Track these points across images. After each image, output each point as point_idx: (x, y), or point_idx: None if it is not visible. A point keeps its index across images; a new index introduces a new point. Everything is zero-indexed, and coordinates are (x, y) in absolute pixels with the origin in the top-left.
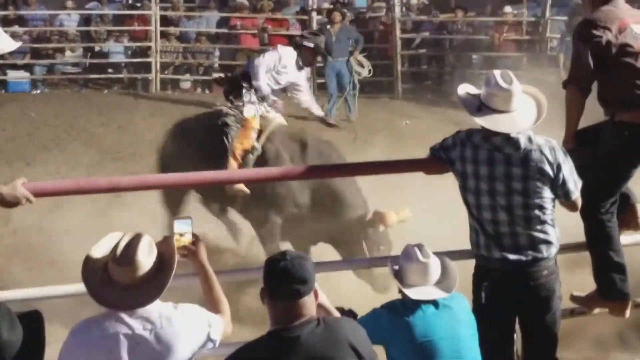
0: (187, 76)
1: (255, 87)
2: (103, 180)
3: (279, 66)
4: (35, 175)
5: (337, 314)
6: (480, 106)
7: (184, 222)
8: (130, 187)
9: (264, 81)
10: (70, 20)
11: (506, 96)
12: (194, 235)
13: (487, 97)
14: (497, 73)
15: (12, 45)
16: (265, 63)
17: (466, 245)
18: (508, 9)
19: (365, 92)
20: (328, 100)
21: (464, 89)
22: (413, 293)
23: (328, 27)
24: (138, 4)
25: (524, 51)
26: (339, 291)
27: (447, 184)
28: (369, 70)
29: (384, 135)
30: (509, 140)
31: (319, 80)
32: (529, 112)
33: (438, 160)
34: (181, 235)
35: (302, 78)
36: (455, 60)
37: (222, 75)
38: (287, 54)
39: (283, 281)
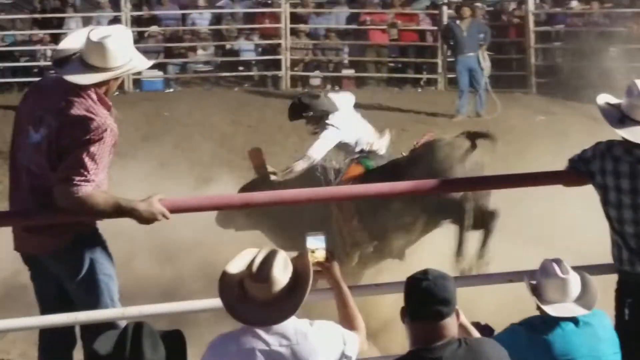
0: (317, 73)
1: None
2: (237, 196)
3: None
4: (169, 175)
5: (476, 333)
6: (622, 117)
7: (316, 238)
8: (263, 203)
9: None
10: (202, 19)
11: None
12: (327, 252)
13: (628, 108)
14: (639, 82)
15: (146, 63)
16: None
17: (607, 259)
18: None
19: (498, 87)
20: (459, 97)
21: (603, 99)
22: (552, 310)
23: (457, 22)
24: (268, 2)
25: None
26: (478, 306)
27: (586, 195)
28: (488, 68)
29: (518, 132)
30: None
31: (450, 75)
32: None
33: (577, 172)
34: (313, 251)
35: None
36: (591, 53)
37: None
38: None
39: (425, 302)
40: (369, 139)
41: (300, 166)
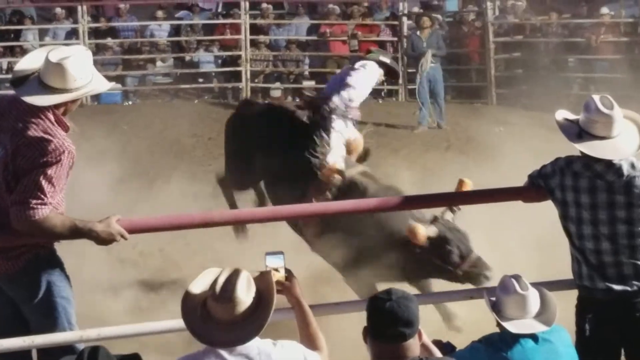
0: (278, 84)
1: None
2: (197, 215)
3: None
4: (129, 190)
5: (438, 352)
6: (580, 132)
7: (276, 257)
8: (224, 222)
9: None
10: (160, 30)
11: (607, 122)
12: (287, 270)
13: (587, 123)
14: (596, 98)
15: (106, 85)
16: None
17: (566, 275)
18: (605, 9)
19: (457, 98)
20: (420, 108)
21: (562, 114)
22: (511, 326)
23: (417, 32)
24: (229, 13)
25: (622, 53)
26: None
27: (545, 211)
28: (424, 70)
29: (478, 142)
30: (611, 167)
31: (410, 87)
32: (631, 138)
33: (537, 188)
34: (274, 270)
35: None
36: (550, 63)
37: (308, 95)
38: (375, 76)
39: (388, 323)
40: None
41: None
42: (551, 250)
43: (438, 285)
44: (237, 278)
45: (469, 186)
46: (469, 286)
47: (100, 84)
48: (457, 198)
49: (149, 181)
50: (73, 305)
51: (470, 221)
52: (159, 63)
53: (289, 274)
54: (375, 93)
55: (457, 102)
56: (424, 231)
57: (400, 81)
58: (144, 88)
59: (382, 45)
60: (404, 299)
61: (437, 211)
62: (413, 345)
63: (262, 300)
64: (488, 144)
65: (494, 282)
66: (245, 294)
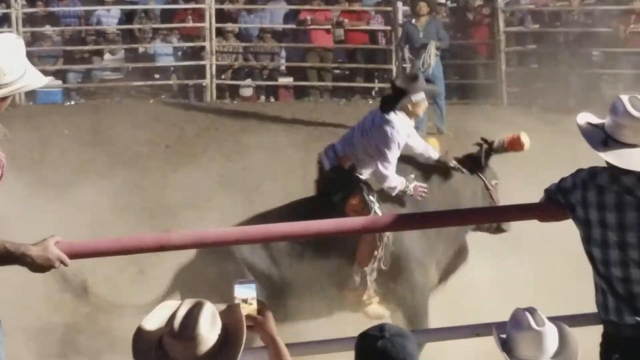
0: (249, 82)
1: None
2: (150, 237)
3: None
4: (71, 205)
5: None
6: (606, 139)
7: (246, 286)
8: (183, 245)
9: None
10: (109, 16)
11: (638, 127)
12: (260, 302)
13: (613, 129)
14: (625, 99)
15: (42, 80)
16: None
17: (591, 308)
18: None
19: (462, 98)
20: None
21: (584, 118)
22: None
23: (413, 20)
24: None
25: None
26: None
27: (566, 232)
28: (429, 66)
29: None
30: None
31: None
32: None
33: (555, 204)
34: (244, 302)
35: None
36: (571, 57)
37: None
38: (405, 128)
39: None
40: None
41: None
42: (572, 278)
43: (439, 320)
44: (200, 312)
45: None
46: (473, 321)
47: (35, 79)
48: (464, 216)
49: (93, 196)
50: (2, 344)
51: (478, 242)
52: (107, 56)
53: (261, 307)
54: (365, 92)
55: (462, 103)
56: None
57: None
58: (89, 85)
59: (373, 35)
60: (399, 337)
61: None
62: None
63: (229, 337)
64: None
65: (504, 316)
66: (209, 330)
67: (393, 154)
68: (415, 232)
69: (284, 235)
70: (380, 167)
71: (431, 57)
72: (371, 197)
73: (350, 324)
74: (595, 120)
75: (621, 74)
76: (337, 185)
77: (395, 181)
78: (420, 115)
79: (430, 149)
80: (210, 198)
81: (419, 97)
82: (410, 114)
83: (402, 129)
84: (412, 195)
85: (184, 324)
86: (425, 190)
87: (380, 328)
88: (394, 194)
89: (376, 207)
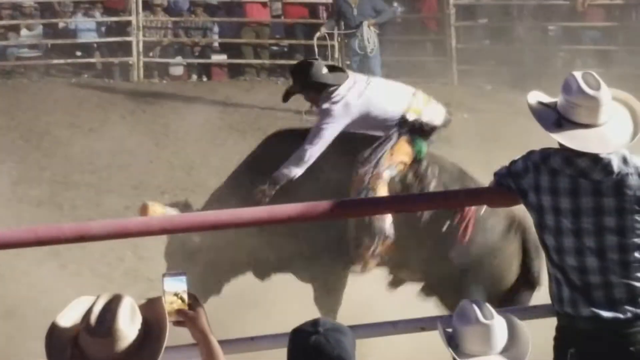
0: (179, 59)
1: None
2: (68, 227)
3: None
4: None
5: None
6: (559, 119)
7: (176, 278)
8: (103, 235)
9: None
10: None
11: (593, 106)
12: (191, 296)
13: (566, 108)
14: (578, 76)
15: None
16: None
17: (543, 299)
18: None
19: (409, 76)
20: None
21: (535, 97)
22: None
23: None
24: None
25: (616, 20)
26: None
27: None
28: (371, 50)
29: (436, 133)
30: (598, 163)
31: (348, 62)
32: (623, 125)
33: (505, 189)
34: (174, 295)
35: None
36: (525, 32)
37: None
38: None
39: None
40: (399, 107)
41: (293, 173)
42: None
43: (381, 314)
44: (118, 306)
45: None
46: (417, 315)
47: None
48: (412, 201)
49: (7, 185)
50: None
51: None
52: (23, 31)
53: (193, 301)
54: None
55: (409, 81)
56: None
57: (337, 54)
58: (5, 64)
59: (313, 8)
60: (334, 332)
61: None
62: None
63: (150, 333)
64: (449, 134)
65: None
66: (128, 326)
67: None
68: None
69: (213, 224)
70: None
71: (368, 40)
72: None
73: (291, 316)
74: (548, 99)
75: (579, 50)
76: None
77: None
78: None
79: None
80: (136, 186)
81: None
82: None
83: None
84: None
85: (100, 319)
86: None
87: (314, 323)
88: None
89: None
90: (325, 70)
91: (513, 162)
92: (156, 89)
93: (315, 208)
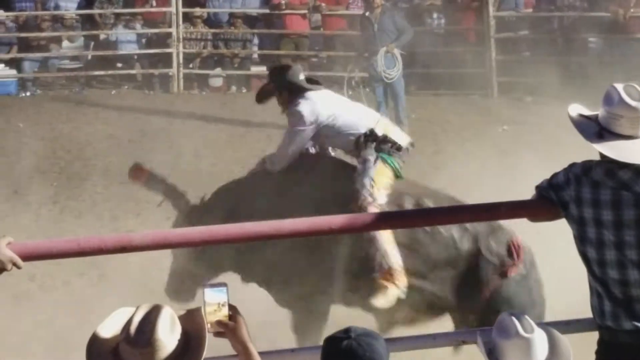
0: (218, 71)
1: None
2: (109, 238)
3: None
4: (26, 209)
5: None
6: (600, 131)
7: (217, 289)
8: (145, 246)
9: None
10: (67, 1)
11: (634, 117)
12: (231, 307)
13: (608, 120)
14: (619, 87)
15: None
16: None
17: (586, 313)
18: None
19: (450, 88)
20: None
21: (576, 110)
22: None
23: (367, 13)
24: None
25: None
26: None
27: (557, 231)
28: (392, 77)
29: (475, 145)
30: None
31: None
32: None
33: (547, 202)
34: (214, 306)
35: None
36: (566, 44)
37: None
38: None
39: None
40: (366, 122)
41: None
42: (564, 281)
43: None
44: (158, 316)
45: None
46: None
47: None
48: (450, 214)
49: (50, 196)
50: None
51: None
52: (65, 43)
53: (233, 312)
54: (344, 82)
55: (448, 94)
56: None
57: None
58: (46, 75)
59: (352, 20)
60: (367, 337)
61: None
62: None
63: (190, 344)
64: (488, 147)
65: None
66: (167, 336)
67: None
68: None
69: (255, 236)
70: None
71: (386, 67)
72: None
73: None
74: (588, 112)
75: (621, 61)
76: None
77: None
78: None
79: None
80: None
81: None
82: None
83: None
84: None
85: (140, 330)
86: None
87: (346, 330)
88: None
89: None
90: (302, 77)
91: (554, 175)
92: (196, 100)
93: (356, 220)
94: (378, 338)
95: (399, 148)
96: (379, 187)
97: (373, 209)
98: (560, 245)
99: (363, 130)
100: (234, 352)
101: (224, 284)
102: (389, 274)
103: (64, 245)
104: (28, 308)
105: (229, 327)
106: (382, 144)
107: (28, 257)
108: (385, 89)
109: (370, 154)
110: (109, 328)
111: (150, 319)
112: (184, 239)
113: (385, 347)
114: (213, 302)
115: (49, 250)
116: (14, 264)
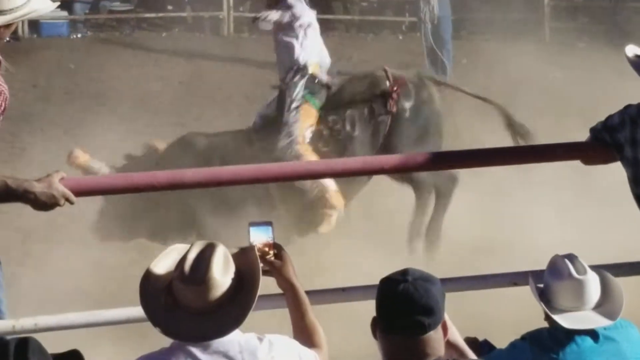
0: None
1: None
2: (162, 174)
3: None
4: (77, 144)
5: (471, 353)
6: None
7: (262, 228)
8: (197, 183)
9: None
10: None
11: None
12: (277, 245)
13: None
14: None
15: (50, 5)
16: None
17: (637, 256)
18: None
19: (501, 33)
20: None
21: (633, 50)
22: (565, 320)
23: None
24: None
25: None
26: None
27: (609, 174)
28: (436, 18)
29: (526, 91)
30: None
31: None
32: None
33: (601, 144)
34: (259, 245)
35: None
36: None
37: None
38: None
39: (402, 310)
40: (318, 59)
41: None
42: (618, 224)
43: (469, 267)
44: (212, 254)
45: None
46: (510, 269)
47: (42, 4)
48: (505, 156)
49: (102, 135)
50: (3, 289)
51: (509, 184)
52: None
53: (279, 250)
54: (394, 26)
55: (499, 39)
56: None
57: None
58: (97, 17)
59: None
60: (423, 281)
61: None
62: (435, 341)
63: (243, 282)
64: (541, 93)
65: (542, 263)
66: (221, 275)
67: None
68: None
69: (306, 174)
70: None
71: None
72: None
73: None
74: None
75: None
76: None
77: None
78: None
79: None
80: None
81: None
82: None
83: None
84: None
85: (194, 267)
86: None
87: (403, 272)
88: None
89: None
90: None
91: (609, 117)
92: (246, 43)
93: (411, 159)
94: (435, 282)
95: (322, 85)
96: (305, 127)
97: (299, 147)
98: (612, 189)
99: (302, 59)
100: (280, 291)
101: (269, 222)
102: (328, 202)
103: (117, 180)
104: (80, 247)
105: (275, 266)
106: (309, 81)
107: (81, 192)
108: (434, 32)
109: (297, 97)
110: (163, 264)
111: (205, 256)
112: (236, 176)
113: (442, 292)
114: (258, 240)
115: (102, 186)
116: (67, 200)
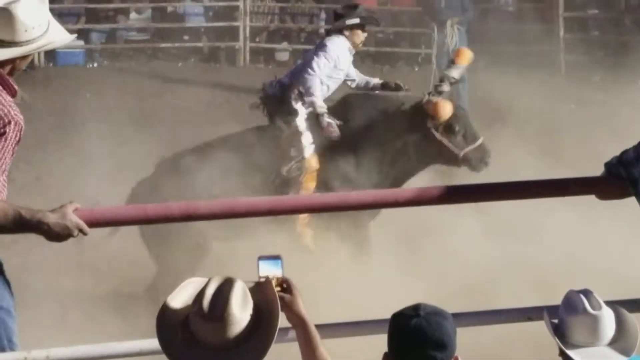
0: (285, 45)
1: (309, 104)
2: (176, 205)
3: (334, 71)
4: (90, 180)
5: None
6: None
7: (271, 262)
8: (211, 215)
9: (320, 96)
10: None
11: None
12: (286, 280)
13: None
14: None
15: (66, 37)
16: (321, 74)
17: None
18: None
19: (517, 65)
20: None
21: None
22: (579, 356)
23: None
24: None
25: None
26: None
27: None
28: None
29: (540, 124)
30: None
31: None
32: None
33: (616, 179)
34: (269, 279)
35: (352, 68)
36: (635, 24)
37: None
38: (341, 49)
39: (414, 345)
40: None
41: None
42: (632, 259)
43: (481, 303)
44: (230, 290)
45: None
46: (524, 304)
47: (60, 36)
48: (516, 190)
49: (116, 165)
50: (15, 319)
51: (522, 219)
52: (132, 15)
53: (288, 285)
54: (410, 58)
55: (515, 71)
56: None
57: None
58: (114, 46)
59: None
60: (435, 315)
61: None
62: None
63: (262, 318)
64: (555, 126)
65: (557, 299)
66: (240, 311)
67: (320, 62)
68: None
69: (321, 207)
70: (304, 70)
71: (453, 34)
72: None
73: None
74: None
75: None
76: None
77: (315, 88)
78: (357, 42)
79: (368, 78)
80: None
81: (354, 21)
82: (349, 39)
83: (334, 46)
84: (323, 128)
85: (213, 303)
86: (335, 128)
87: (415, 307)
88: (310, 108)
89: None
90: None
91: (624, 152)
92: (262, 74)
93: (427, 193)
94: (447, 317)
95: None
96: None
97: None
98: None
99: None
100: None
101: (278, 256)
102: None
103: (131, 211)
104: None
105: (285, 300)
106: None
107: (94, 223)
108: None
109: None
110: (179, 299)
111: (223, 292)
112: (251, 207)
113: (454, 327)
114: (268, 274)
115: (116, 216)
116: (81, 231)
